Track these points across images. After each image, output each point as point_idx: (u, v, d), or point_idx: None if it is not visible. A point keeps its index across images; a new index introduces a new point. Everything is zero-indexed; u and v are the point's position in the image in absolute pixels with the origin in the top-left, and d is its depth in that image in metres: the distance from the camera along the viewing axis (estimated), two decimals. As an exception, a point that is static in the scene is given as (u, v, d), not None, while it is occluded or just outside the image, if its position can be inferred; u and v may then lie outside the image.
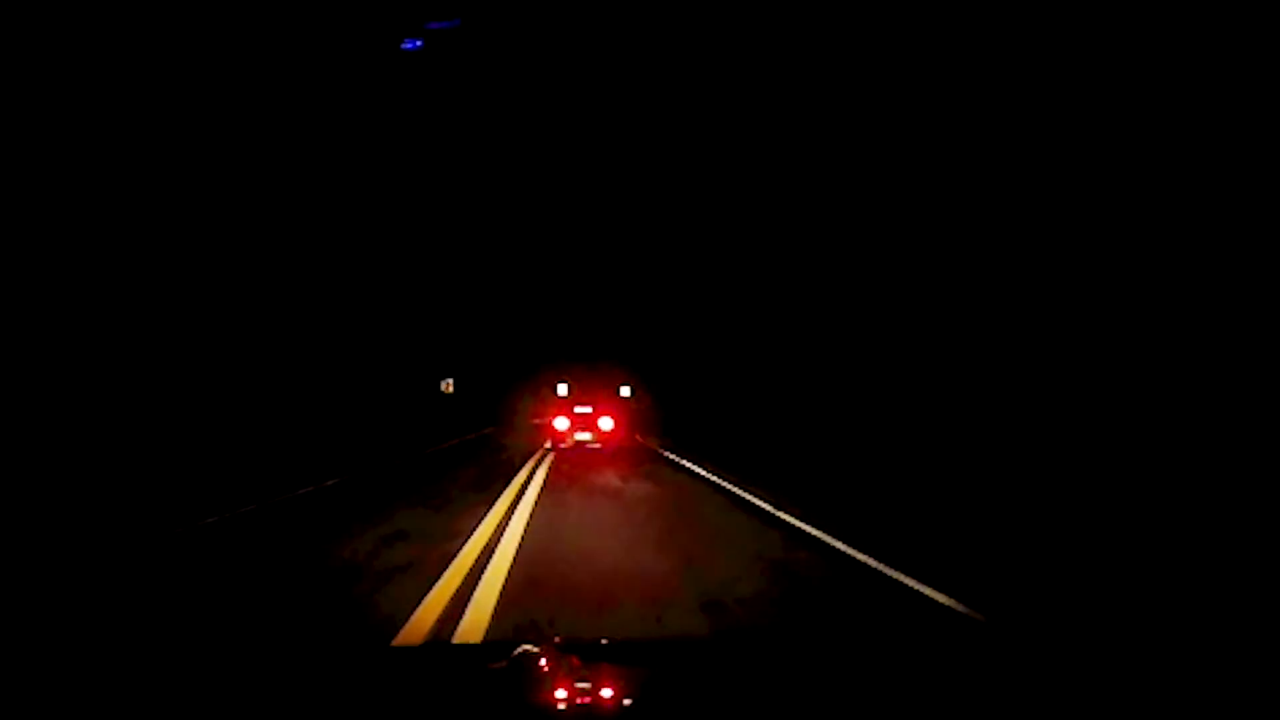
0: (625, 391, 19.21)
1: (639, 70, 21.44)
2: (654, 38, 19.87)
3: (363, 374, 21.97)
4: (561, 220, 33.51)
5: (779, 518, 7.51)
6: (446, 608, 4.27)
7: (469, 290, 32.87)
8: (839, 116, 15.86)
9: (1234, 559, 5.32)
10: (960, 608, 4.32)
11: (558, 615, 4.14)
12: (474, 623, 4.01)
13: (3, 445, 8.80)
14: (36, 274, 9.96)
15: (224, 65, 13.06)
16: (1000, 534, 6.54)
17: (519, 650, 1.46)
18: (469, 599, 4.45)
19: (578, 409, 17.90)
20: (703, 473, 11.67)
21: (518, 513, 7.76)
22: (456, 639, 3.74)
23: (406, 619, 4.03)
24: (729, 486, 9.93)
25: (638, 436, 19.35)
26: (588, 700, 1.40)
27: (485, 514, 7.57)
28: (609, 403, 18.15)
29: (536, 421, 23.13)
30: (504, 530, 6.73)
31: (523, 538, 6.40)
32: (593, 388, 18.53)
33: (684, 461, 13.48)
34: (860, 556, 5.66)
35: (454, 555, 5.65)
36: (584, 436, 17.58)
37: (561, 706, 1.37)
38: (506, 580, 4.90)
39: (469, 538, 6.33)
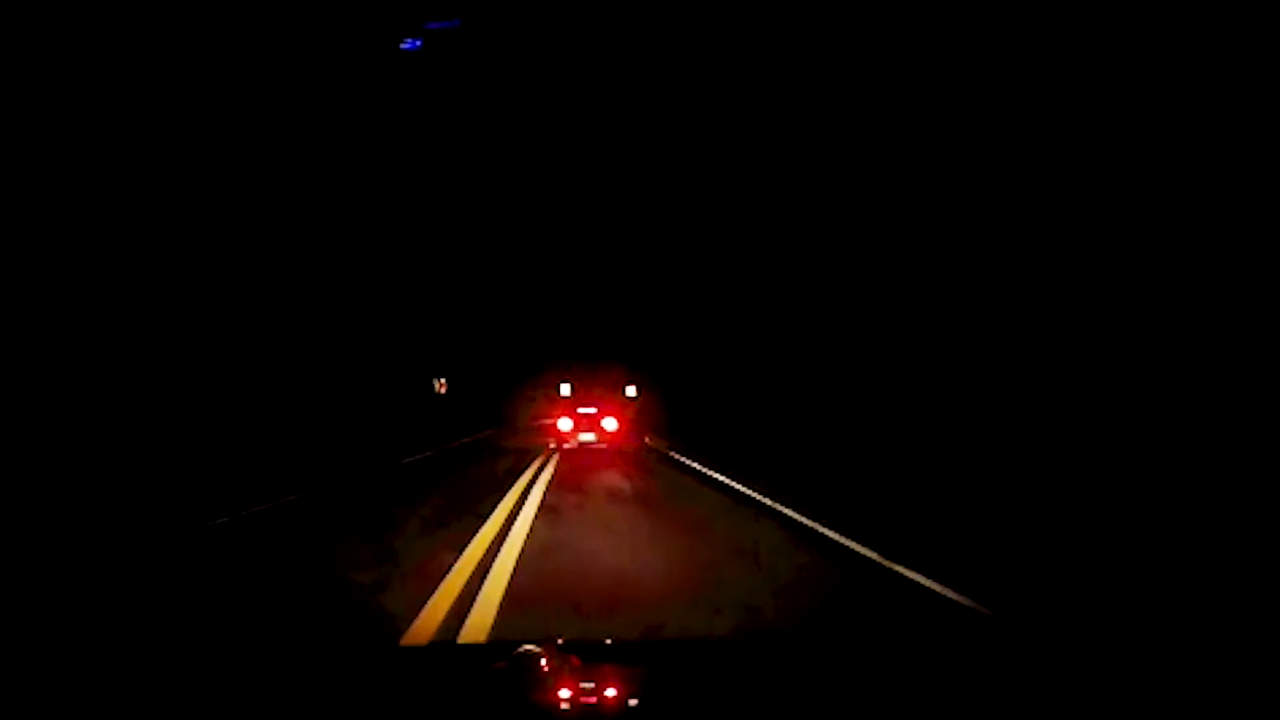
0: (630, 391, 19.13)
1: (641, 68, 21.35)
2: (657, 34, 19.79)
3: (347, 371, 20.65)
4: (564, 217, 33.41)
5: (853, 550, 6.31)
6: None
7: (467, 288, 32.59)
8: (848, 109, 15.76)
9: (1235, 554, 5.26)
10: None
11: None
12: None
13: None
14: (29, 273, 9.87)
15: (223, 64, 13.01)
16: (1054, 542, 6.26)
17: (520, 650, 1.46)
18: None
19: (581, 409, 17.78)
20: (737, 487, 10.31)
21: (494, 571, 5.36)
22: None
23: None
24: (765, 501, 8.88)
25: (647, 439, 19.09)
26: (589, 701, 1.40)
27: (449, 569, 5.44)
28: (613, 403, 18.05)
29: (538, 423, 22.90)
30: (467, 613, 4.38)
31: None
32: (596, 387, 18.45)
33: (711, 472, 12.05)
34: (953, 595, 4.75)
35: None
36: (588, 437, 17.44)
37: (565, 707, 1.37)
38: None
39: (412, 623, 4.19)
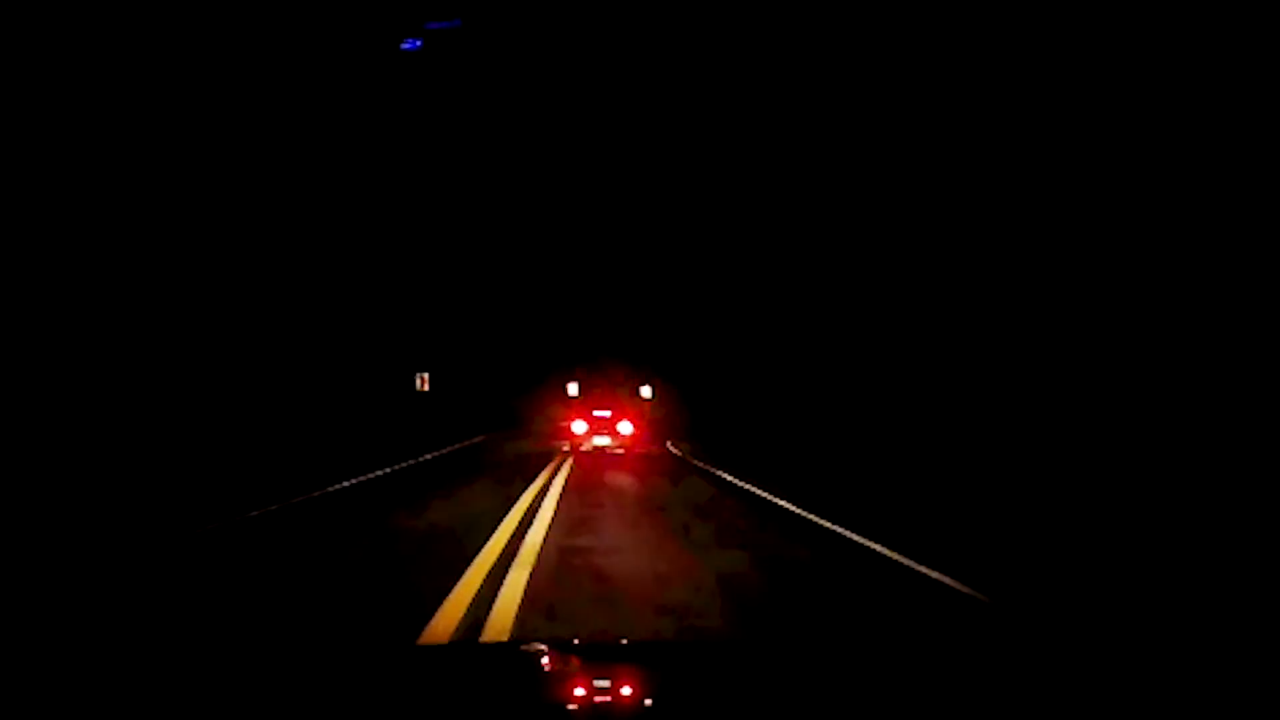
0: (646, 392, 18.67)
1: (644, 66, 21.12)
2: (659, 33, 19.57)
3: (323, 366, 17.99)
4: (573, 216, 33.01)
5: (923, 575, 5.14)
6: None
7: (465, 286, 31.75)
8: (859, 106, 15.45)
9: (1235, 551, 5.20)
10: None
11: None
12: None
13: None
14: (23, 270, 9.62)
15: (223, 64, 12.85)
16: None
17: (522, 649, 1.53)
18: None
19: (596, 412, 17.30)
20: (784, 504, 8.42)
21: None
22: None
23: None
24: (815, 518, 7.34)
25: (668, 444, 18.48)
26: (591, 701, 1.40)
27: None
28: (629, 405, 17.58)
29: (549, 427, 21.82)
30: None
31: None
32: (611, 389, 17.96)
33: (746, 485, 10.19)
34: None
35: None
36: (602, 441, 16.94)
37: (572, 707, 1.39)
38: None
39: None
